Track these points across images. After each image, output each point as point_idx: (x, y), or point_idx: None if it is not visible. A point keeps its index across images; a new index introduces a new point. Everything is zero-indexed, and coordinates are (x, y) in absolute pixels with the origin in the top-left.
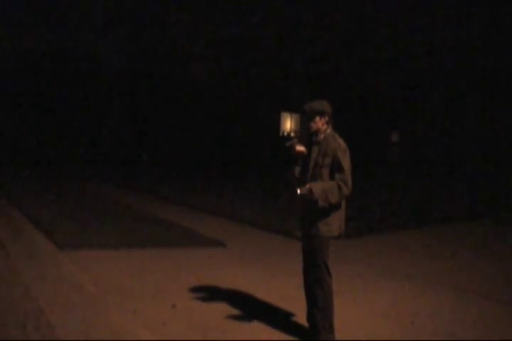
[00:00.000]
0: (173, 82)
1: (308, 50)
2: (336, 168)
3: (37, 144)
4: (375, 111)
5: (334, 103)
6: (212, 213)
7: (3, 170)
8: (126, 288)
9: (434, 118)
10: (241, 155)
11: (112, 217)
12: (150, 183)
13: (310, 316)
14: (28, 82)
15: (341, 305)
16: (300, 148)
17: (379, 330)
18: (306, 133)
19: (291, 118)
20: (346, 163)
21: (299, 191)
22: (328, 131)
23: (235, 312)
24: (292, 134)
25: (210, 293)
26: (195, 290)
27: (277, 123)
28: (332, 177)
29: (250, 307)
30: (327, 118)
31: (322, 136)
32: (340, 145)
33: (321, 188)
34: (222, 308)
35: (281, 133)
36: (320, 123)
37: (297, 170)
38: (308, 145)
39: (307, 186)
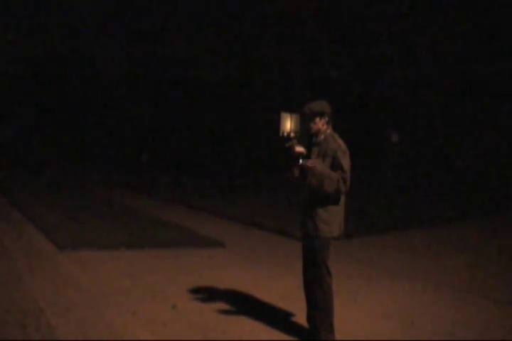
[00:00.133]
0: (173, 83)
1: (308, 50)
2: (336, 168)
3: (37, 145)
4: (375, 111)
5: (334, 103)
6: (212, 213)
7: (3, 170)
8: (126, 288)
9: (434, 119)
10: (241, 155)
11: (112, 218)
12: (150, 183)
13: (310, 316)
14: (28, 84)
15: (341, 305)
16: (299, 148)
17: (379, 330)
18: (306, 134)
19: (291, 118)
20: (346, 163)
21: (301, 161)
22: (328, 131)
23: (235, 312)
24: (292, 134)
25: (210, 294)
26: (195, 290)
27: (277, 124)
28: None
29: (250, 308)
30: (327, 118)
31: (322, 136)
32: (340, 146)
33: (322, 168)
34: (223, 308)
35: (281, 134)
36: (320, 124)
37: (297, 170)
38: (309, 147)
39: (310, 160)
